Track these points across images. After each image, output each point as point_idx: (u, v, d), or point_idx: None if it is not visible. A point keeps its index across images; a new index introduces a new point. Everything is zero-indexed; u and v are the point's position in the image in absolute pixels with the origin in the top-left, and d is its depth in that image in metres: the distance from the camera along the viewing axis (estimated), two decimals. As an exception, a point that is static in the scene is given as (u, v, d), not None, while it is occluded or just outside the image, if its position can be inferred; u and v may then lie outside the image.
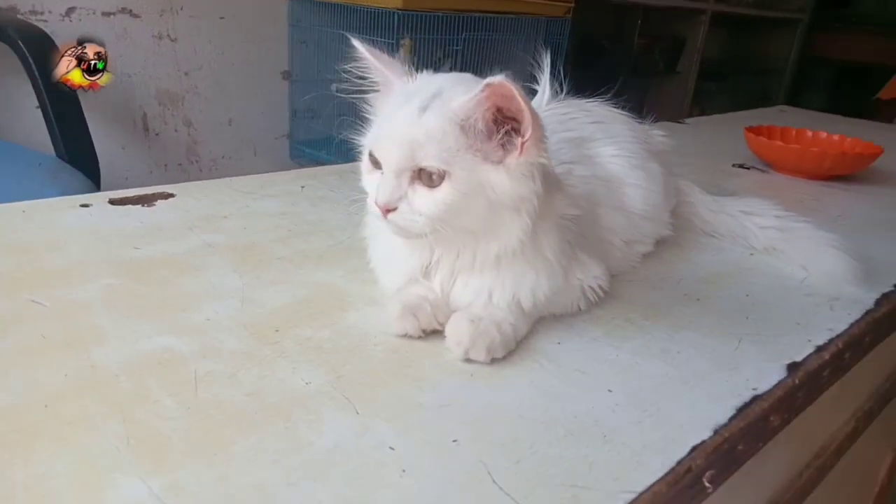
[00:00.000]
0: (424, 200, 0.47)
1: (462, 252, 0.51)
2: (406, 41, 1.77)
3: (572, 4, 2.12)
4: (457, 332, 0.49)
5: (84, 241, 0.65)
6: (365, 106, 0.53)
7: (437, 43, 1.86)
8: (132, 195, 0.75)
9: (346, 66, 0.51)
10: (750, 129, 1.16)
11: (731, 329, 0.57)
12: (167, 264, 0.61)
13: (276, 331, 0.51)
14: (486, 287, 0.52)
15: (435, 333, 0.52)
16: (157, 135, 1.90)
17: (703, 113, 3.17)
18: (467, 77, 0.51)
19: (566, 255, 0.54)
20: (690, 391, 0.48)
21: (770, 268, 0.71)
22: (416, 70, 0.53)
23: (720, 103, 3.35)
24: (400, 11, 1.72)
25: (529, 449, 0.41)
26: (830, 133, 1.19)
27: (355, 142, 0.53)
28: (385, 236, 0.55)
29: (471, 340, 0.48)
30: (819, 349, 0.55)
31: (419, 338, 0.51)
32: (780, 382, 0.50)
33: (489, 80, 0.43)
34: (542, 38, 2.10)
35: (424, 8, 1.76)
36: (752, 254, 0.75)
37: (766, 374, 0.50)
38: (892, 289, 0.68)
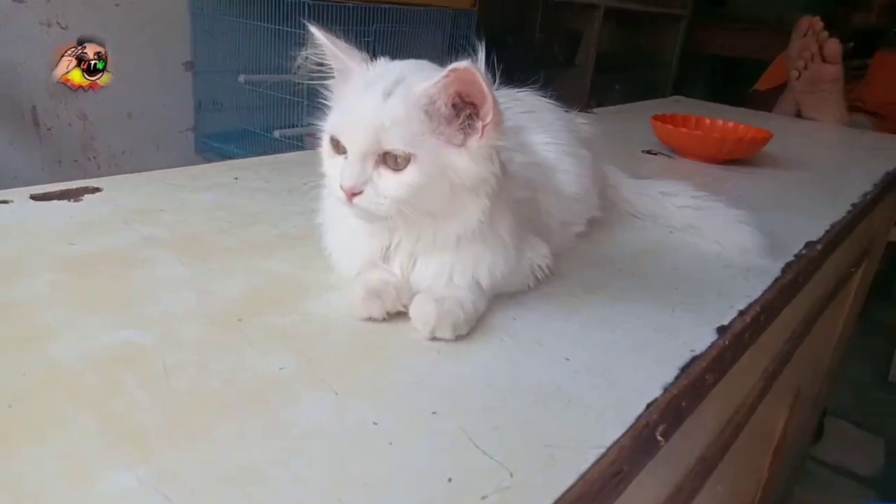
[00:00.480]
0: (389, 183, 0.48)
1: (422, 234, 0.53)
2: (316, 32, 1.75)
3: (477, -3, 2.17)
4: (423, 312, 0.51)
5: (12, 239, 0.61)
6: (323, 92, 0.54)
7: (348, 34, 1.84)
8: (55, 190, 0.71)
9: (303, 53, 0.51)
10: (656, 118, 1.24)
11: (664, 299, 0.62)
12: (109, 259, 0.59)
13: (239, 320, 0.51)
14: (446, 268, 0.53)
15: (397, 315, 0.53)
16: (49, 129, 1.78)
17: (599, 104, 3.31)
18: (425, 63, 0.52)
19: (518, 235, 0.56)
20: (638, 355, 0.52)
21: (689, 244, 0.77)
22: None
23: (614, 96, 3.51)
24: (310, 2, 1.69)
25: (503, 416, 0.43)
26: (725, 121, 1.29)
27: (316, 126, 0.53)
28: (343, 222, 0.56)
29: (437, 320, 0.50)
30: (741, 313, 0.61)
31: (383, 320, 0.53)
32: (713, 343, 0.55)
33: (454, 65, 0.45)
34: (450, 31, 2.14)
35: (334, -2, 1.75)
36: (671, 232, 0.81)
37: (700, 338, 0.55)
38: (793, 259, 0.75)
